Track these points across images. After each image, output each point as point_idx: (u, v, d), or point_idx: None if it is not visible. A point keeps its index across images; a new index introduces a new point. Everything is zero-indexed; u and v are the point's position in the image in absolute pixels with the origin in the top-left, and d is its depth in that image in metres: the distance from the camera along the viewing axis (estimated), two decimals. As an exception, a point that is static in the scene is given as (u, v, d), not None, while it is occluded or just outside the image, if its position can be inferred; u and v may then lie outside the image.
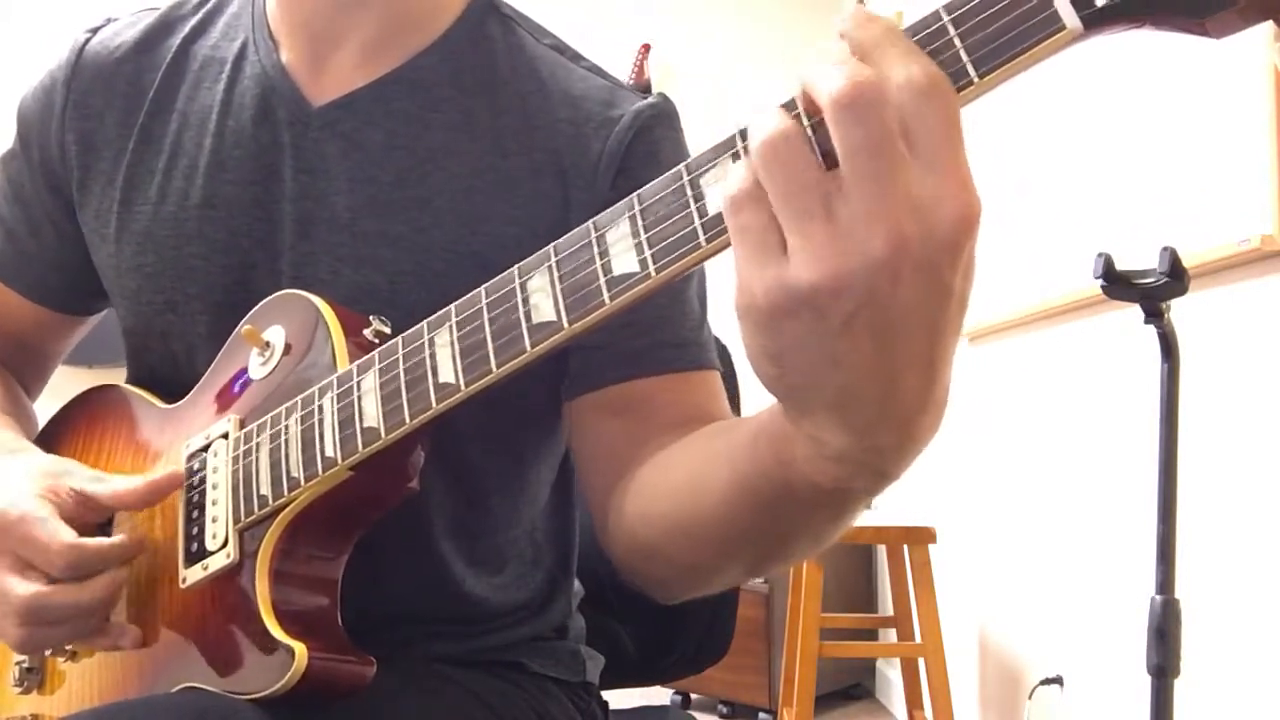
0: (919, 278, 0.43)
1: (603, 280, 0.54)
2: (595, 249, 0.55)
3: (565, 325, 0.56)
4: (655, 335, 0.77)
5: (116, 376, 0.90)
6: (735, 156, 0.49)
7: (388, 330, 0.69)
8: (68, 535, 0.70)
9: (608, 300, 0.54)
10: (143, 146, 0.85)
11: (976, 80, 0.45)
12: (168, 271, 0.82)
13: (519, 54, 0.85)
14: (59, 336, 0.98)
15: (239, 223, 0.81)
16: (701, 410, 0.76)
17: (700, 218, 0.50)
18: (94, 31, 0.90)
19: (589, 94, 0.83)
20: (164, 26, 0.89)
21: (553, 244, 0.57)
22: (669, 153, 0.82)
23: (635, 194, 0.53)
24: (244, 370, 0.76)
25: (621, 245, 0.54)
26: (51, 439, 0.89)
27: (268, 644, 0.65)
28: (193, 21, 0.89)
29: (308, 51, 0.84)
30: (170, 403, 0.83)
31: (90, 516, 0.75)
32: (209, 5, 0.90)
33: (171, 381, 0.83)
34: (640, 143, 0.81)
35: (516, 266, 0.58)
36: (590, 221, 0.56)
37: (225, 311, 0.80)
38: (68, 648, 0.79)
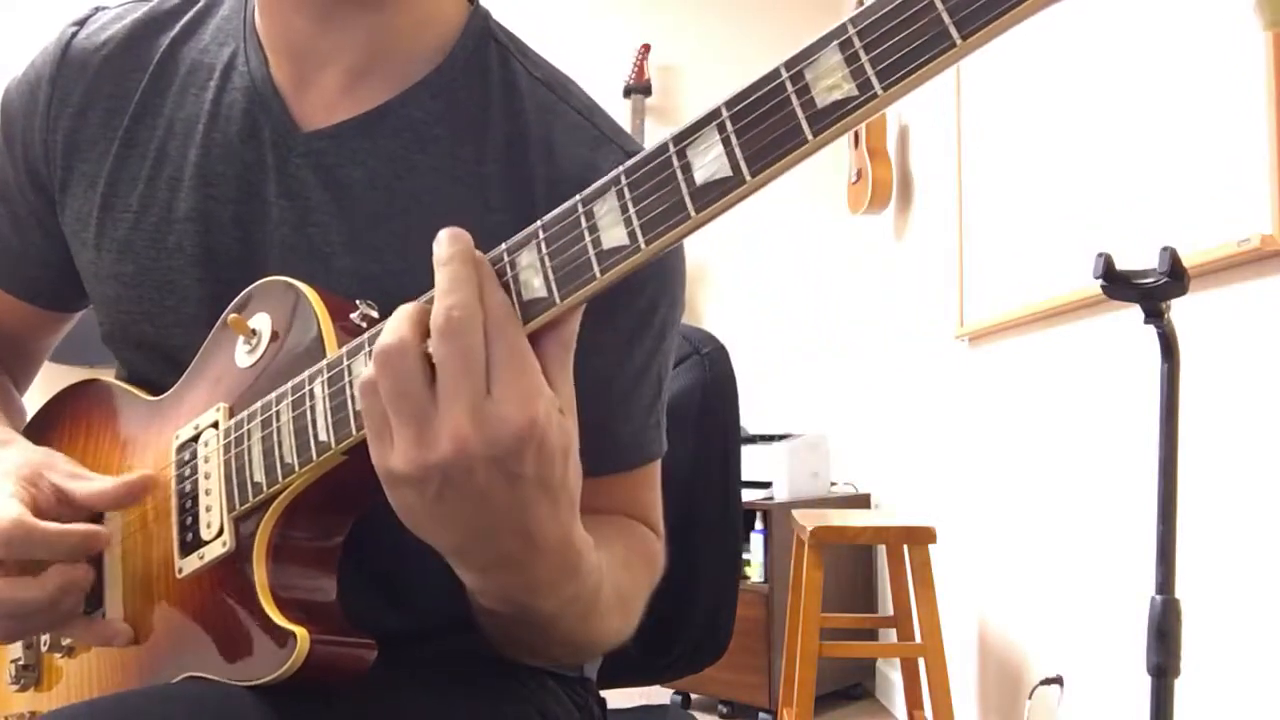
0: (489, 469, 0.55)
1: (593, 254, 0.55)
2: (584, 223, 0.55)
3: (557, 301, 0.56)
4: (595, 439, 0.73)
5: (111, 375, 0.90)
6: (720, 128, 0.50)
7: (375, 314, 0.69)
8: (14, 511, 0.69)
9: (599, 274, 0.55)
10: (126, 150, 0.84)
11: (960, 42, 0.45)
12: (146, 282, 0.82)
13: (512, 91, 0.82)
14: (45, 332, 0.98)
15: (218, 239, 0.80)
16: (618, 505, 0.81)
17: (688, 188, 0.51)
18: (80, 25, 0.88)
19: (570, 149, 0.80)
20: (153, 23, 0.87)
21: (540, 220, 0.57)
22: None
23: (621, 167, 0.54)
24: (231, 359, 0.75)
25: (610, 218, 0.54)
26: (37, 435, 0.88)
27: (268, 630, 0.65)
28: (183, 21, 0.87)
29: (293, 69, 0.82)
30: (156, 396, 0.82)
31: (68, 513, 0.74)
32: (199, 5, 0.88)
33: (151, 383, 0.83)
34: None
35: (504, 244, 0.59)
36: (578, 196, 0.56)
37: (201, 325, 0.79)
38: (64, 643, 0.79)
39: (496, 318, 0.56)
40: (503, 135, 0.80)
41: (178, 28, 0.87)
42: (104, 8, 0.90)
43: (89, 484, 0.75)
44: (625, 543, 0.77)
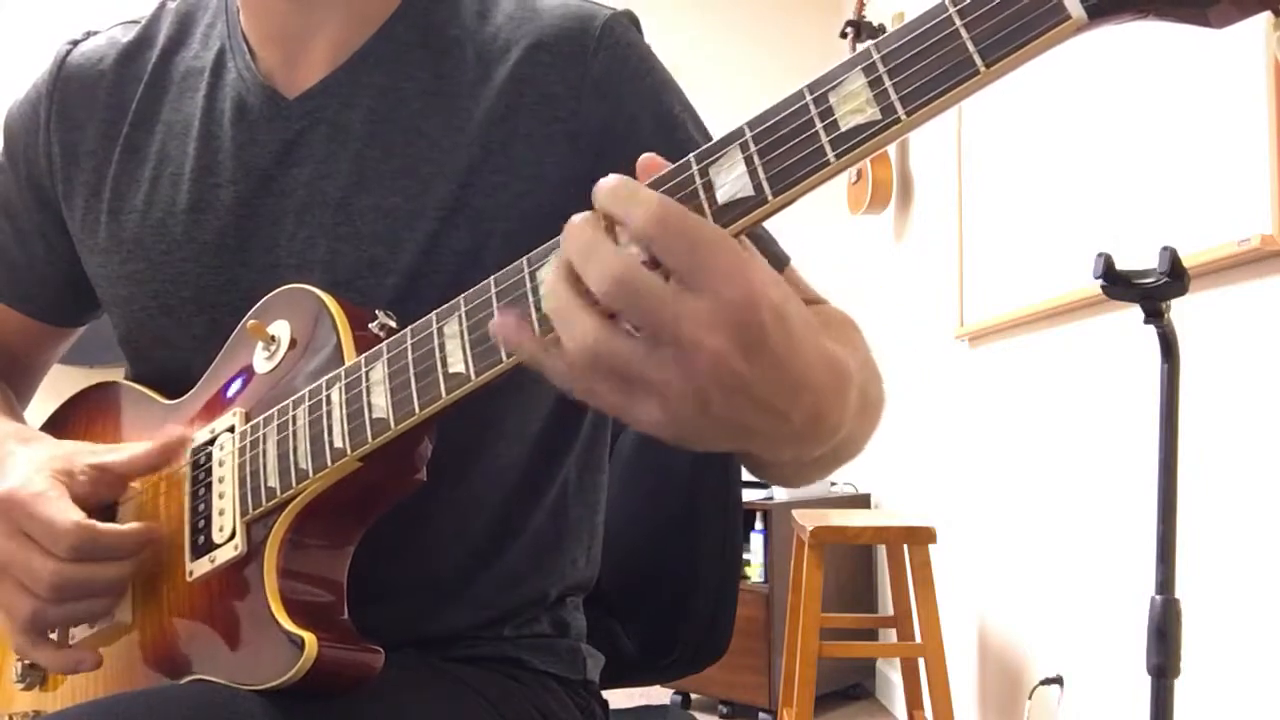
0: (748, 359, 0.49)
1: None
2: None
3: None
4: None
5: (117, 376, 0.90)
6: (743, 148, 0.51)
7: (393, 324, 0.69)
8: (76, 515, 0.71)
9: None
10: (127, 157, 0.86)
11: (983, 70, 0.46)
12: (159, 276, 0.83)
13: (484, 5, 0.86)
14: (47, 347, 0.99)
15: (225, 223, 0.82)
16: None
17: (710, 206, 0.51)
18: (74, 44, 0.92)
19: (555, 21, 0.83)
20: (142, 39, 0.91)
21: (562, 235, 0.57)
22: (646, 60, 0.84)
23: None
24: (249, 365, 0.76)
25: None
26: (52, 436, 0.89)
27: (277, 634, 0.65)
28: (167, 32, 0.90)
29: (282, 55, 0.85)
30: (172, 400, 0.83)
31: (105, 489, 0.76)
32: (181, 14, 0.91)
33: (170, 384, 0.84)
34: (616, 59, 0.82)
35: (525, 257, 0.59)
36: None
37: (221, 311, 0.81)
38: (70, 645, 0.79)
39: (663, 208, 0.49)
40: (482, 37, 0.84)
41: (164, 38, 0.90)
42: (96, 31, 0.93)
43: (124, 454, 0.76)
44: (823, 324, 0.71)
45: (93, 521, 0.71)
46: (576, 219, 0.52)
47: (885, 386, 0.69)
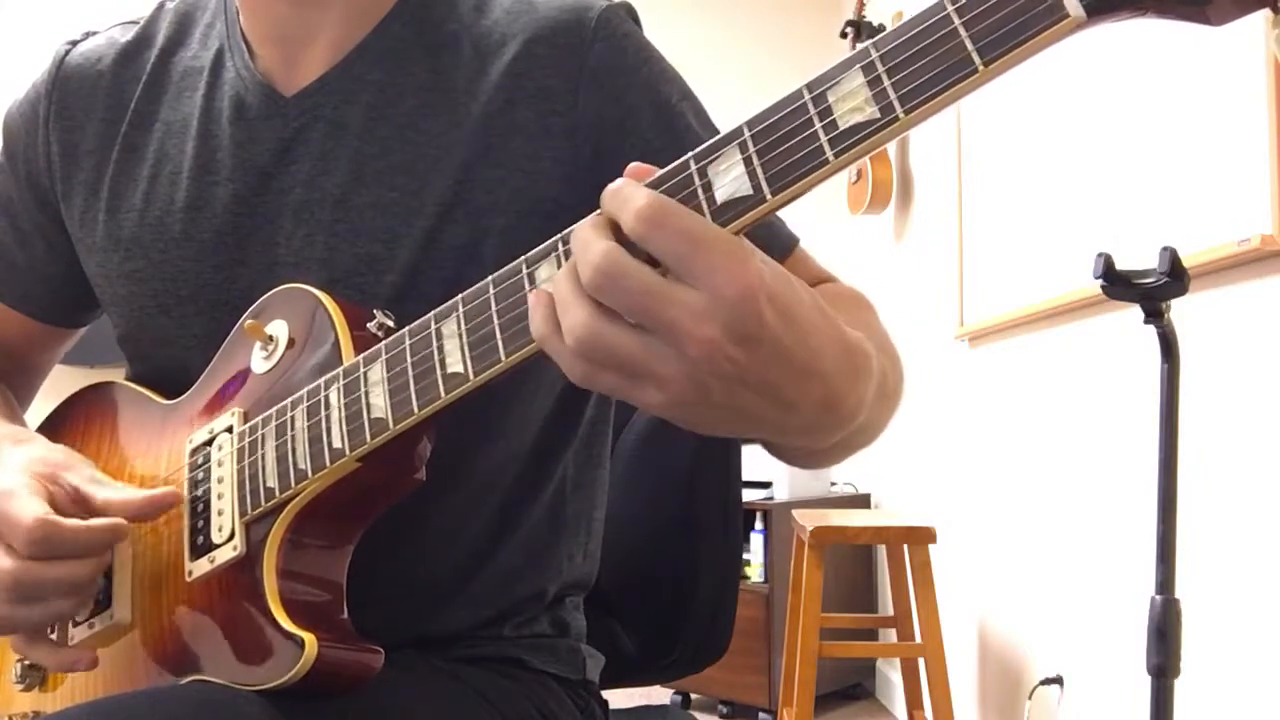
0: (744, 349, 0.49)
1: None
2: None
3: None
4: None
5: (116, 376, 0.90)
6: (742, 148, 0.50)
7: (392, 323, 0.69)
8: (39, 510, 0.69)
9: None
10: (126, 155, 0.86)
11: (981, 68, 0.46)
12: (158, 275, 0.83)
13: (481, 3, 0.86)
14: (47, 348, 0.99)
15: (223, 221, 0.82)
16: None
17: (709, 206, 0.51)
18: (73, 44, 0.92)
19: (551, 14, 0.83)
20: (141, 39, 0.91)
21: (560, 234, 0.57)
22: (643, 50, 0.84)
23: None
24: (247, 364, 0.76)
25: None
26: (50, 436, 0.89)
27: (277, 635, 0.65)
28: (166, 32, 0.90)
29: (281, 54, 0.85)
30: (170, 400, 0.83)
31: (83, 511, 0.74)
32: (180, 14, 0.92)
33: (169, 383, 0.84)
34: (613, 50, 0.82)
35: (524, 257, 0.58)
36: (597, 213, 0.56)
37: (220, 310, 0.81)
38: (71, 644, 0.79)
39: (653, 204, 0.49)
40: (478, 33, 0.84)
41: (163, 38, 0.90)
42: (95, 31, 0.94)
43: (109, 491, 0.74)
44: (833, 304, 0.70)
45: (55, 517, 0.70)
46: (586, 220, 0.52)
47: (904, 371, 0.69)
